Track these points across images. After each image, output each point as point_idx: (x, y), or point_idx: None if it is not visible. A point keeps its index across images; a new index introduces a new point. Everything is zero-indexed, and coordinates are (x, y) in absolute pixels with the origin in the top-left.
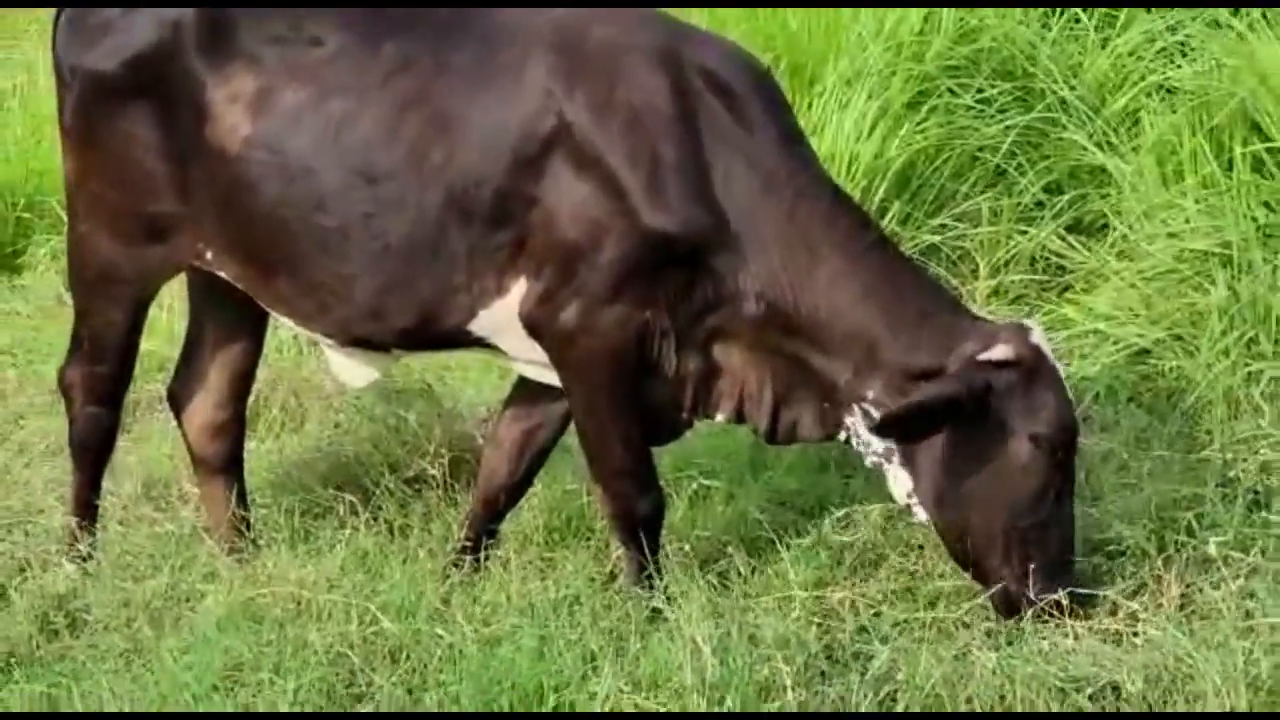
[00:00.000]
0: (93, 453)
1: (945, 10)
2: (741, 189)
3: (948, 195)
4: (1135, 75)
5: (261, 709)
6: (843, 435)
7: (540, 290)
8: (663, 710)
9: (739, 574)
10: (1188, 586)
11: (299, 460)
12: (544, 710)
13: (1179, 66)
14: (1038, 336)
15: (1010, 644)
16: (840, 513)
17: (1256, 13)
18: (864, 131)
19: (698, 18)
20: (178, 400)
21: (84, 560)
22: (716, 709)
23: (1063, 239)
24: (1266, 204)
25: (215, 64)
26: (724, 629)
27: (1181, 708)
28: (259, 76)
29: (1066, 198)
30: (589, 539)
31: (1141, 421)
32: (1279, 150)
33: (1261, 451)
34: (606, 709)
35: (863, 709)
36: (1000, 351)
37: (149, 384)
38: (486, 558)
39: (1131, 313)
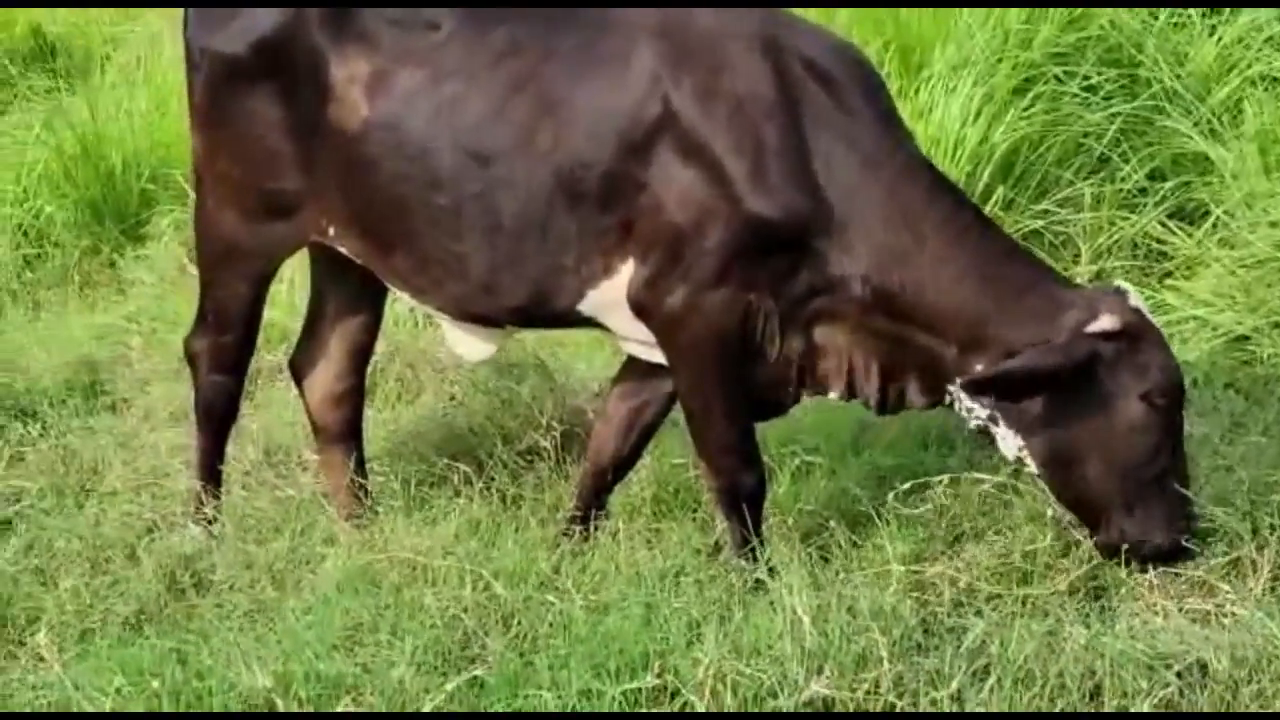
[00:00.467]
0: (217, 420)
1: None
2: (843, 173)
3: (1051, 181)
4: (1241, 64)
5: (379, 668)
6: (947, 400)
7: (647, 274)
8: (763, 676)
9: (839, 547)
10: (1275, 571)
11: (414, 430)
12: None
13: None
14: (1135, 299)
15: (1100, 621)
16: (937, 488)
17: None
18: (970, 117)
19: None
20: (299, 370)
21: (209, 523)
22: (815, 677)
23: (1164, 225)
24: None
25: (336, 46)
26: (823, 600)
27: (1266, 687)
28: (377, 59)
29: (1169, 185)
30: (694, 512)
31: (1238, 407)
32: None
33: None
34: (710, 675)
35: (956, 681)
36: (1106, 322)
37: (271, 354)
38: (595, 529)
39: (1230, 300)
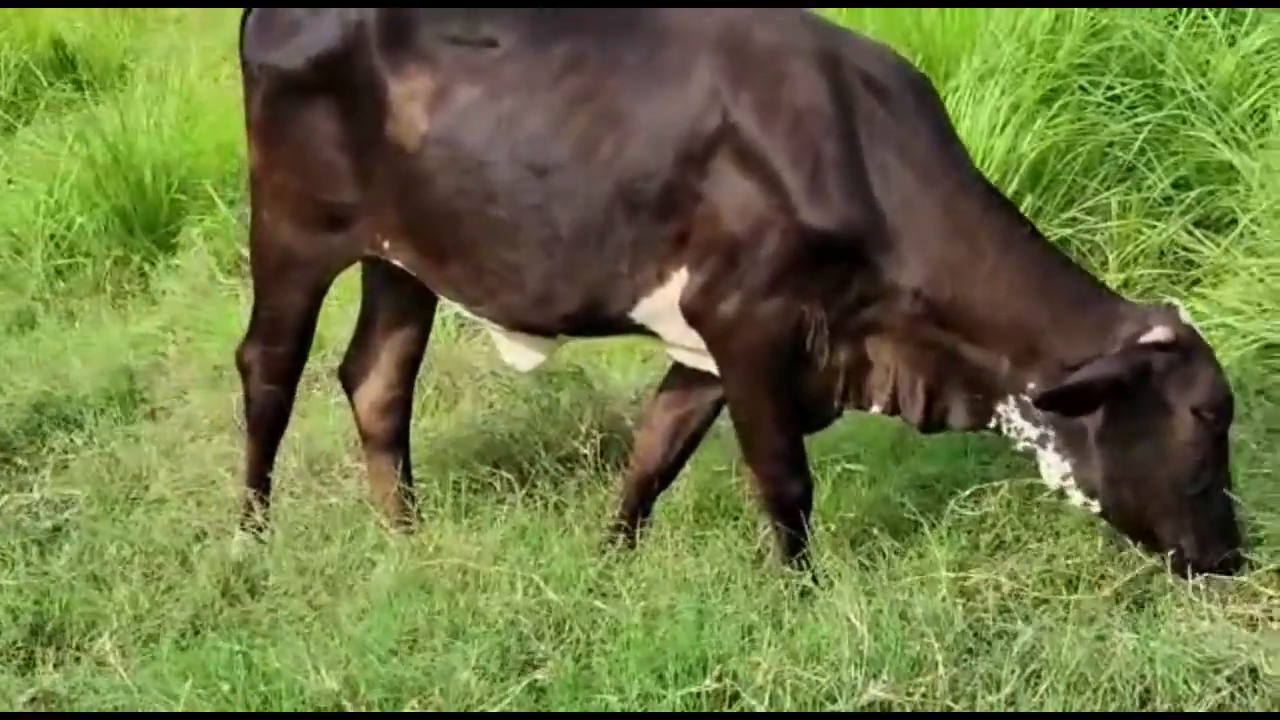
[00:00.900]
0: (268, 428)
1: (1076, 9)
2: (899, 186)
3: (1078, 190)
4: (1262, 74)
5: (442, 672)
6: (993, 423)
7: (701, 281)
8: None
9: (883, 554)
10: None
11: (456, 438)
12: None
13: None
14: (1186, 315)
15: (1148, 626)
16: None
17: None
18: (998, 126)
19: (833, 16)
20: (349, 378)
21: (259, 530)
22: (872, 681)
23: (1191, 234)
24: None
25: (395, 63)
26: (876, 606)
27: None
28: (436, 75)
29: (1194, 193)
30: (736, 519)
31: (1272, 413)
32: None
33: None
34: (769, 680)
35: (1010, 686)
36: (1159, 334)
37: (310, 362)
38: (640, 536)
39: (1259, 307)
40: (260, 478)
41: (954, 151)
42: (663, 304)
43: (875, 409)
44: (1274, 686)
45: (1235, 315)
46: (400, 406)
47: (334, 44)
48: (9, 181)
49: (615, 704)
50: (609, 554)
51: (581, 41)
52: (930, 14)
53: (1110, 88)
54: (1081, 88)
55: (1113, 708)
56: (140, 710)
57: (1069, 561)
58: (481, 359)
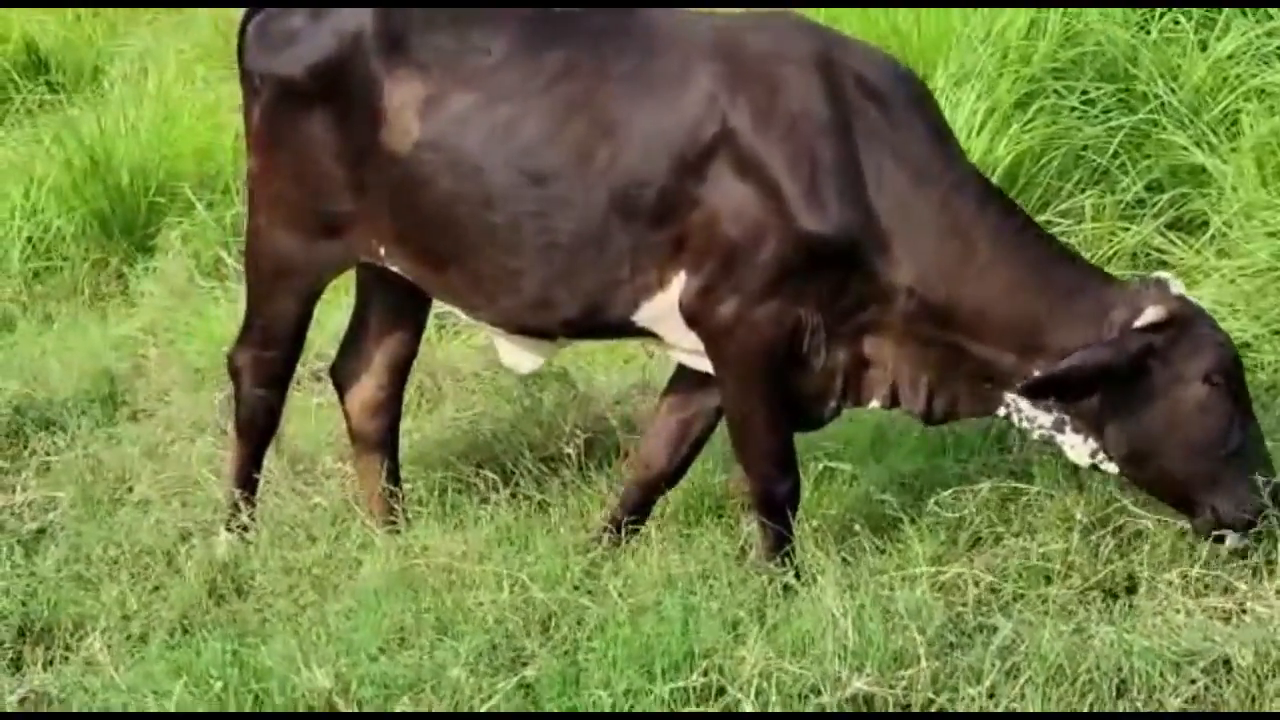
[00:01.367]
0: (258, 432)
1: (1051, 13)
2: (894, 187)
3: (1053, 193)
4: (1233, 79)
5: (430, 669)
6: (1002, 411)
7: (699, 285)
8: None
9: (864, 550)
10: None
11: (439, 439)
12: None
13: (1276, 71)
14: (1177, 286)
15: (1125, 619)
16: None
17: None
18: (973, 130)
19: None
20: (341, 378)
21: (244, 530)
22: (856, 674)
23: (1164, 236)
24: None
25: (390, 71)
26: (859, 601)
27: None
28: (430, 83)
29: (1167, 196)
30: (720, 516)
31: None
32: None
33: None
34: (755, 674)
35: (990, 678)
36: (1151, 315)
37: None
38: (628, 535)
39: (1231, 308)
40: (247, 480)
41: (948, 150)
42: (664, 307)
43: (874, 404)
44: (1247, 678)
45: None
46: (391, 407)
47: (331, 52)
48: None
49: (604, 699)
50: (594, 552)
51: (573, 48)
52: (907, 18)
53: (1084, 92)
54: (1056, 92)
55: (1090, 699)
56: (134, 710)
57: (1045, 554)
58: (464, 360)
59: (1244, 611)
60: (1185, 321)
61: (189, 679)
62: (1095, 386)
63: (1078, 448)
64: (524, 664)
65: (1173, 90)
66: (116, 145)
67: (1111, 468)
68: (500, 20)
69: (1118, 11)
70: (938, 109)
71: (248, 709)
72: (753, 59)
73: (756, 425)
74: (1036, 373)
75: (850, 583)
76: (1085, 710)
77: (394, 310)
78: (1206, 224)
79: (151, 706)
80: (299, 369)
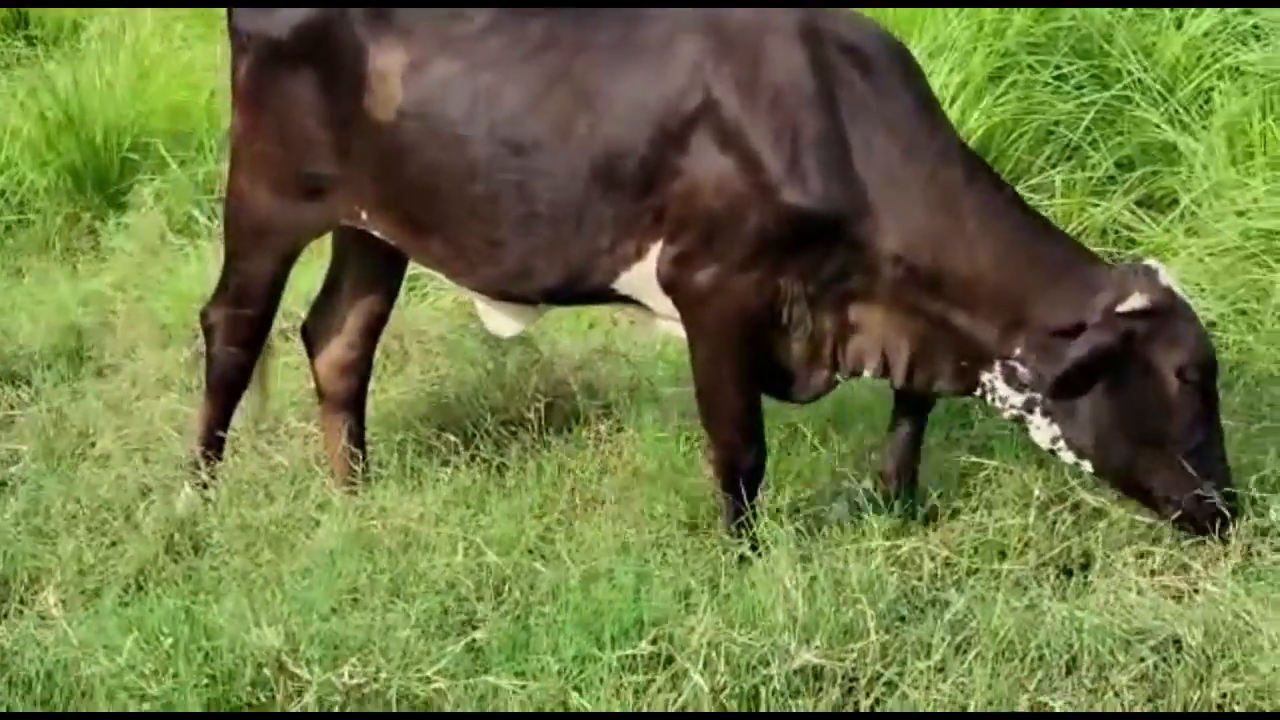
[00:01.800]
0: (227, 390)
1: None
2: (882, 156)
3: (1024, 167)
4: (1208, 57)
5: (381, 630)
6: (979, 391)
7: (676, 252)
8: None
9: (822, 522)
10: (1247, 549)
11: (402, 401)
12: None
13: (1251, 50)
14: (1165, 277)
15: (1078, 596)
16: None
17: None
18: (946, 102)
19: None
20: (312, 336)
21: (204, 488)
22: (805, 646)
23: (1133, 213)
24: None
25: (375, 36)
26: (811, 573)
27: (1239, 661)
28: (413, 49)
29: (1138, 174)
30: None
31: None
32: None
33: None
34: (703, 643)
35: (940, 652)
36: (1136, 301)
37: None
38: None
39: (1198, 287)
40: (213, 438)
41: (936, 120)
42: (644, 276)
43: (866, 373)
44: (1195, 658)
45: None
46: (360, 368)
47: (318, 15)
48: None
49: (551, 665)
50: (548, 517)
51: (559, 18)
52: None
53: (1058, 67)
54: (1030, 66)
55: (1039, 674)
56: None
57: (1002, 529)
58: (430, 323)
59: (1196, 591)
60: (1168, 312)
61: (140, 635)
62: (1099, 375)
63: (1042, 430)
64: (474, 627)
65: (1146, 68)
66: (91, 101)
67: (1068, 457)
68: None
69: None
70: (924, 78)
71: (197, 666)
72: (737, 30)
73: (727, 394)
74: (1017, 349)
75: (804, 555)
76: (1033, 686)
77: (369, 272)
78: (1176, 202)
79: (103, 662)
80: None
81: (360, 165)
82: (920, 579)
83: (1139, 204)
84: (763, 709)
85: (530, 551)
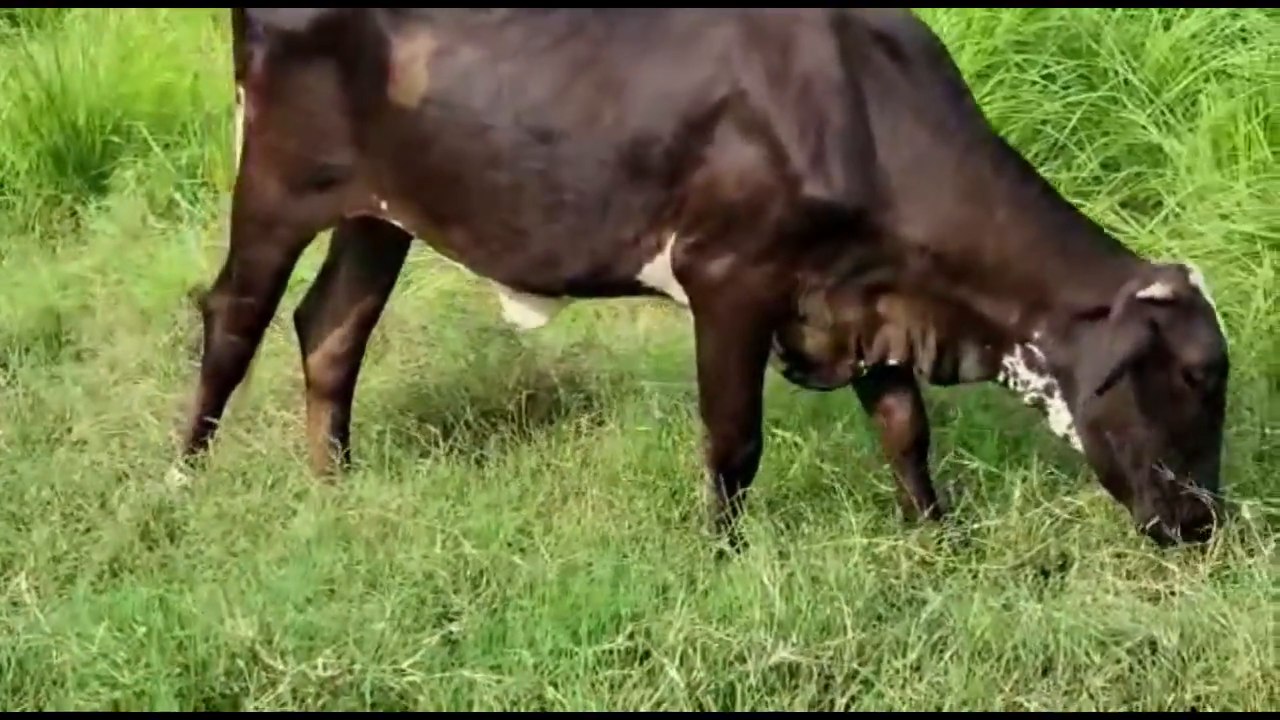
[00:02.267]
0: (224, 379)
1: None
2: (910, 144)
3: None
4: (1195, 59)
5: (356, 622)
6: (1001, 376)
7: (693, 241)
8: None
9: (799, 519)
10: (1224, 551)
11: (382, 391)
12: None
13: (1238, 53)
14: (1197, 278)
15: (1055, 597)
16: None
17: None
18: None
19: None
20: (304, 324)
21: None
22: (781, 644)
23: (1117, 214)
24: None
25: (397, 24)
26: (789, 570)
27: (1214, 664)
28: (438, 37)
29: (1122, 175)
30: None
31: None
32: None
33: None
34: (680, 639)
35: (916, 651)
36: (1159, 289)
37: None
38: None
39: None
40: (203, 424)
41: (966, 108)
42: (669, 268)
43: (892, 361)
44: (1171, 660)
45: None
46: (351, 359)
47: (337, 10)
48: None
49: (527, 659)
50: (527, 510)
51: (583, 8)
52: None
53: (1045, 66)
54: (1017, 65)
55: (1015, 675)
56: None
57: (980, 529)
58: (412, 312)
59: (1173, 594)
60: (1188, 308)
61: (113, 623)
62: (1137, 366)
63: (1060, 414)
64: (450, 620)
65: (1134, 69)
66: (74, 82)
67: (1080, 444)
68: None
69: None
70: (955, 67)
71: (170, 655)
72: (767, 19)
73: (730, 384)
74: (1038, 333)
75: (782, 551)
76: (1009, 687)
77: (367, 266)
78: (1160, 204)
79: (75, 649)
80: None
81: (380, 155)
82: (898, 577)
83: (1123, 205)
84: (739, 706)
85: (508, 544)
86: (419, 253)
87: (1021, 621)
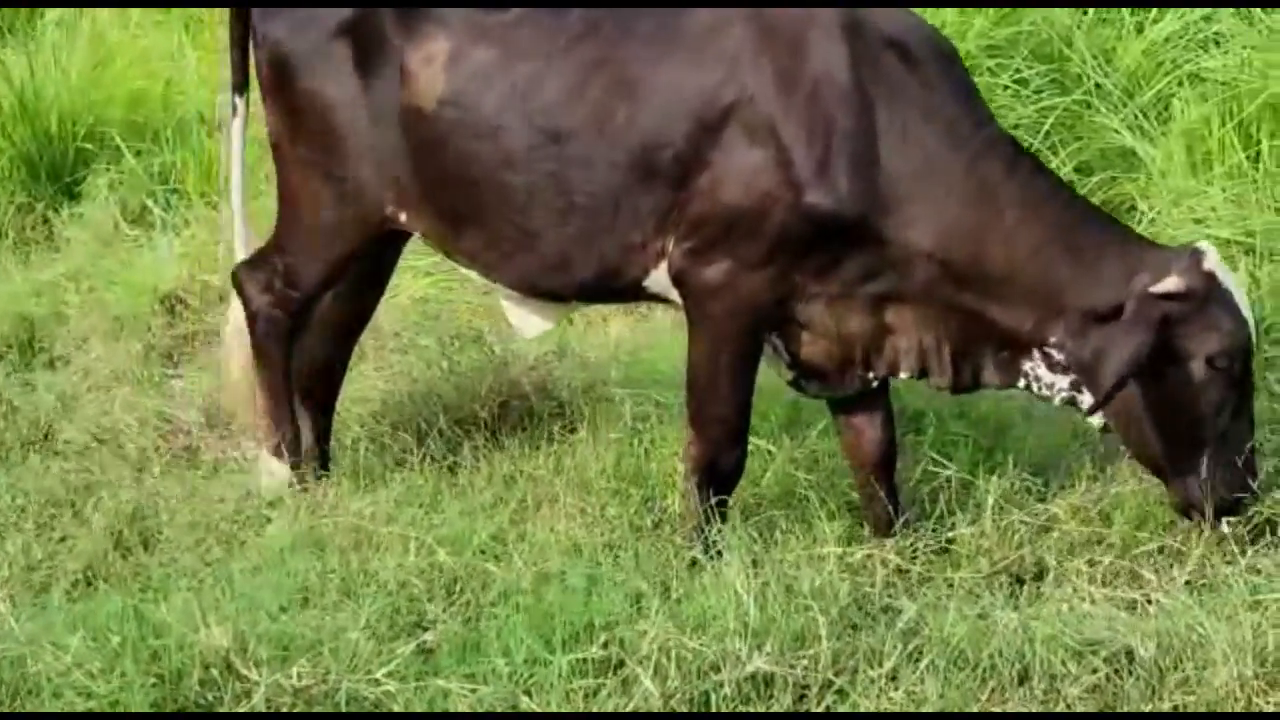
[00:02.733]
0: (279, 351)
1: None
2: (920, 147)
3: None
4: (1168, 63)
5: (331, 631)
6: (1022, 382)
7: (691, 245)
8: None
9: (773, 527)
10: (1200, 561)
11: (356, 398)
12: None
13: (1212, 57)
14: (1211, 261)
15: (1030, 605)
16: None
17: None
18: None
19: None
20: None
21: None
22: (756, 653)
23: None
24: None
25: (410, 27)
26: (763, 579)
27: (1191, 674)
28: (451, 38)
29: (1096, 179)
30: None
31: None
32: None
33: (1276, 435)
34: (655, 648)
35: (892, 660)
36: (1170, 284)
37: (207, 316)
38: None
39: None
40: (286, 410)
41: (978, 111)
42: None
43: (903, 374)
44: (1148, 670)
45: None
46: (336, 369)
47: (350, 15)
48: None
49: (502, 667)
50: (500, 517)
51: (597, 9)
52: None
53: (1018, 71)
54: (990, 70)
55: (991, 684)
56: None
57: (954, 537)
58: (385, 319)
59: (1150, 602)
60: (1205, 297)
61: (87, 632)
62: (1144, 366)
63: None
64: (425, 628)
65: (1106, 73)
66: (47, 88)
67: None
68: None
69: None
70: (966, 71)
71: (144, 665)
72: (780, 21)
73: (721, 390)
74: (1054, 336)
75: (756, 560)
76: (985, 696)
77: (358, 278)
78: (1134, 208)
79: (49, 658)
80: (215, 319)
81: (398, 161)
82: (872, 586)
83: None
84: None
85: (483, 552)
86: None
87: (997, 630)
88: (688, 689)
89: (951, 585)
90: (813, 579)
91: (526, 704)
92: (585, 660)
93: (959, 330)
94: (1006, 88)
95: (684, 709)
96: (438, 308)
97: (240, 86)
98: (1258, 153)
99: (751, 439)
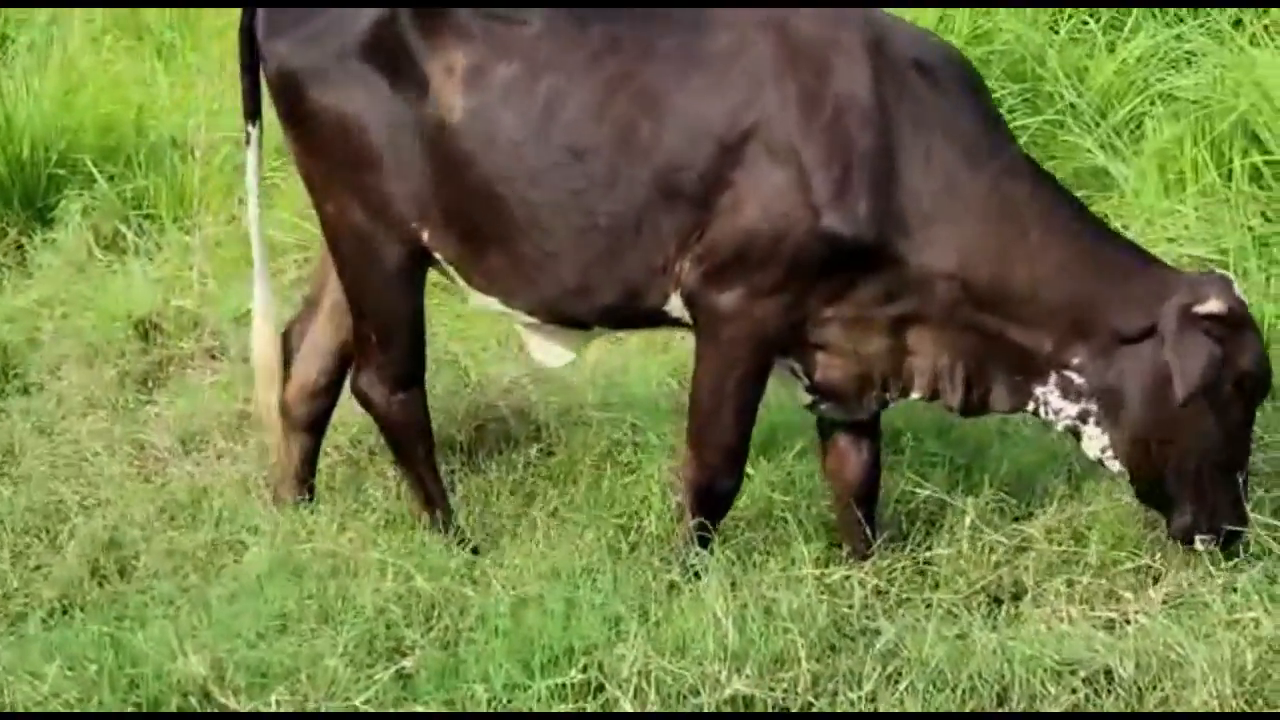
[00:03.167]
0: (417, 440)
1: (960, 11)
2: (942, 169)
3: None
4: (1140, 82)
5: (309, 657)
6: (1031, 406)
7: (706, 268)
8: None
9: (753, 550)
10: (1177, 580)
11: (334, 422)
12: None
13: (1184, 76)
14: (1239, 289)
15: (1009, 626)
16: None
17: (1259, 26)
18: None
19: None
20: (288, 352)
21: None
22: (735, 676)
23: None
24: (1263, 214)
25: (431, 43)
26: (741, 601)
27: (1170, 693)
28: (472, 54)
29: None
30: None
31: None
32: (1277, 162)
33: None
34: (634, 672)
35: (871, 683)
36: (1214, 305)
37: (181, 342)
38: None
39: None
40: (437, 495)
41: (1000, 133)
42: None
43: (915, 395)
44: (1127, 689)
45: None
46: (329, 393)
47: (369, 28)
48: None
49: (480, 693)
50: (474, 542)
51: (618, 23)
52: None
53: (991, 90)
54: None
55: (970, 705)
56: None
57: (932, 557)
58: None
59: (1128, 621)
60: (1240, 323)
61: (64, 660)
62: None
63: (1094, 440)
64: (403, 654)
65: (1080, 93)
66: (18, 114)
67: (1115, 466)
68: None
69: (1027, 11)
70: (988, 93)
71: (122, 693)
72: (805, 39)
73: (725, 414)
74: (1076, 359)
75: (734, 582)
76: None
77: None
78: None
79: (25, 687)
80: (192, 345)
81: (421, 180)
82: (851, 607)
83: None
84: None
85: (461, 576)
86: None
87: (976, 651)
88: (668, 712)
89: (930, 606)
90: (791, 601)
91: None
92: (564, 685)
93: (976, 352)
94: None
95: None
96: None
97: (252, 114)
98: (1230, 171)
99: None
